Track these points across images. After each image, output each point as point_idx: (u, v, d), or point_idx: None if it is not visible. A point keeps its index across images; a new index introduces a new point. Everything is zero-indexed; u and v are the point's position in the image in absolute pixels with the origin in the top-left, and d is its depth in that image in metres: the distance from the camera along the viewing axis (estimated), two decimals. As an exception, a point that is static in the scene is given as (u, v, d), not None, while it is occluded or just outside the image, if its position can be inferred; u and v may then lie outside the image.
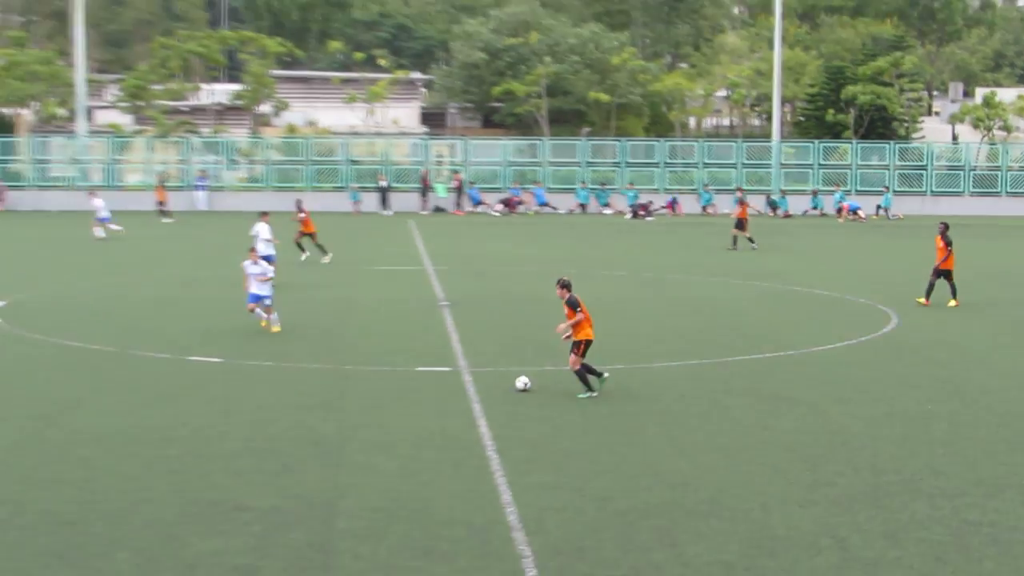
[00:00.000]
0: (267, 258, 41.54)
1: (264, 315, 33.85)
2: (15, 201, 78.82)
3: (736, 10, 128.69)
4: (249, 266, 33.39)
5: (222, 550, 16.81)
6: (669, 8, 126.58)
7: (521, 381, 26.72)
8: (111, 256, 54.38)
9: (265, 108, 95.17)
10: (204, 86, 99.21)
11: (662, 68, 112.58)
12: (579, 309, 25.88)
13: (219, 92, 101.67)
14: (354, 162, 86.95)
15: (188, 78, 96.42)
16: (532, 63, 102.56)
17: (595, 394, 26.01)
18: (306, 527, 17.74)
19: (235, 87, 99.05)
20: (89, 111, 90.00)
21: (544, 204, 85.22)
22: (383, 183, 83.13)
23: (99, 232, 61.02)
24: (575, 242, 64.51)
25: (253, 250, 34.28)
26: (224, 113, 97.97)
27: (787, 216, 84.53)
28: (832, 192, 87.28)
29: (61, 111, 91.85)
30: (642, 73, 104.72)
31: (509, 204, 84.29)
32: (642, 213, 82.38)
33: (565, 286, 26.09)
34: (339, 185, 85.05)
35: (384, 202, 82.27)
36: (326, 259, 51.23)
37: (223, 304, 39.19)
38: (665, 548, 17.01)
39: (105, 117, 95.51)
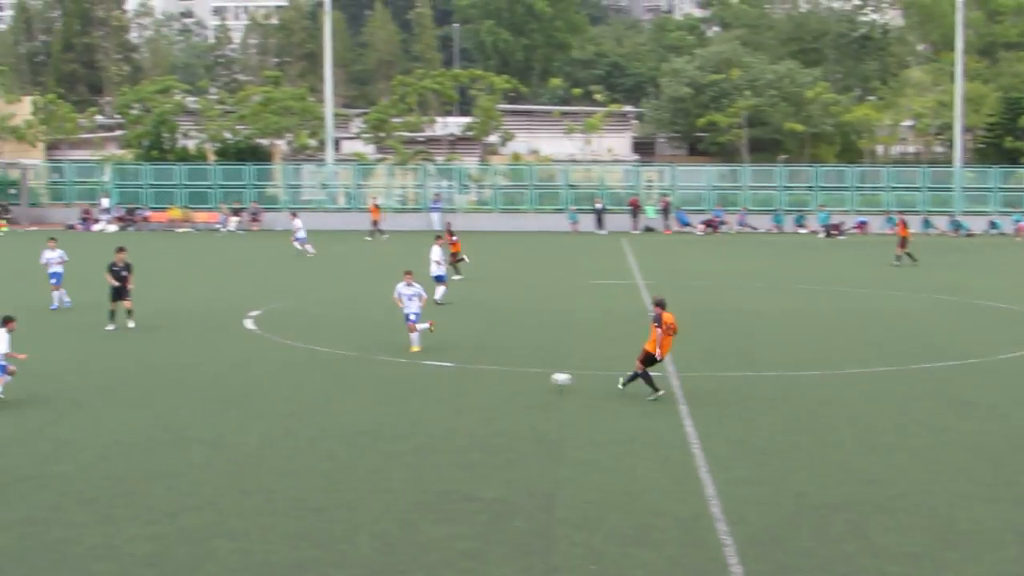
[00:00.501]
0: (439, 278, 41.77)
1: (416, 337, 31.98)
2: (270, 221, 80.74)
3: (920, 47, 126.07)
4: (402, 287, 32.13)
5: (452, 536, 16.92)
6: (859, 46, 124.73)
7: (562, 377, 26.70)
8: (351, 269, 55.27)
9: (493, 138, 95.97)
10: (438, 119, 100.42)
11: (852, 101, 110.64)
12: (659, 326, 25.47)
13: (452, 124, 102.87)
14: (572, 187, 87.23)
15: (424, 112, 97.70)
16: (733, 97, 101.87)
17: (660, 392, 25.66)
18: (528, 516, 17.75)
19: (466, 120, 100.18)
20: (336, 141, 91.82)
21: (743, 225, 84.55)
22: (599, 205, 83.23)
23: (298, 246, 62.81)
24: (772, 259, 63.71)
25: (409, 272, 32.73)
26: (456, 143, 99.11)
27: (969, 236, 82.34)
28: (1009, 214, 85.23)
29: (311, 141, 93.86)
30: (834, 105, 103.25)
31: (712, 224, 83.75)
32: (834, 232, 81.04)
33: (659, 304, 25.82)
34: (559, 207, 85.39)
35: (600, 222, 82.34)
36: (456, 277, 50.78)
37: (452, 313, 39.57)
38: (856, 539, 16.74)
39: (350, 147, 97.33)
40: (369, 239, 71.15)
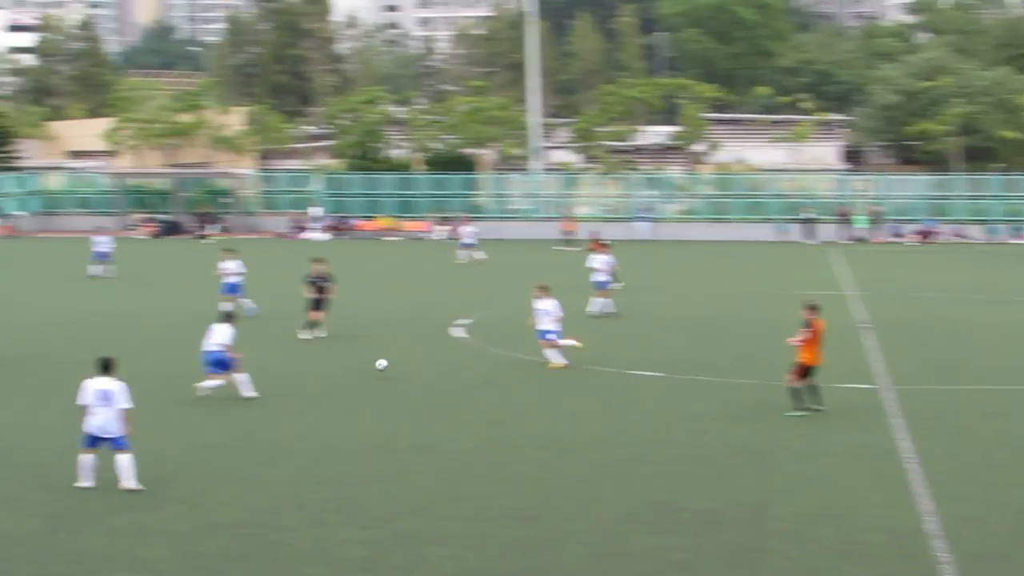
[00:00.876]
0: (600, 284, 41.41)
1: (553, 354, 31.18)
2: (479, 231, 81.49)
3: None
4: (538, 303, 31.59)
5: (662, 547, 16.94)
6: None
7: (382, 363, 28.77)
8: (558, 278, 55.25)
9: (699, 147, 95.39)
10: (644, 128, 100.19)
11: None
12: (809, 330, 25.13)
13: (658, 133, 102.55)
14: (780, 196, 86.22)
15: (630, 121, 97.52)
16: (945, 104, 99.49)
17: (804, 414, 24.97)
18: (738, 528, 17.68)
19: (672, 129, 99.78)
20: (542, 151, 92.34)
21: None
22: (808, 215, 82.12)
23: (463, 256, 63.18)
24: (988, 270, 62.04)
25: (542, 287, 31.99)
26: (662, 152, 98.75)
27: None
28: None
29: (517, 151, 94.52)
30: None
31: (924, 234, 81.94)
32: (1053, 243, 78.58)
33: (811, 308, 25.65)
34: (766, 217, 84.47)
35: (808, 232, 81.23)
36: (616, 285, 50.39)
37: (658, 323, 39.54)
38: (1083, 561, 16.25)
39: (556, 156, 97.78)
40: (564, 249, 71.37)
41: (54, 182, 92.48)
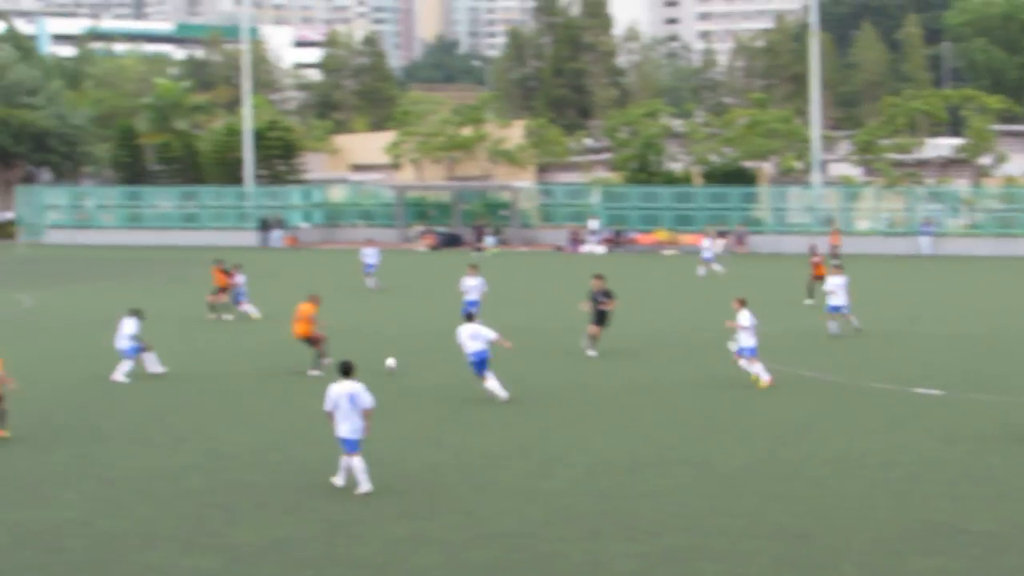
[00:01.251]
0: (836, 308, 39.87)
1: (752, 368, 30.73)
2: (757, 245, 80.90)
3: None
4: (741, 318, 30.72)
5: (940, 569, 16.58)
6: None
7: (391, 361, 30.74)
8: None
9: (985, 160, 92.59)
10: (928, 140, 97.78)
11: None
12: None
13: (942, 146, 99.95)
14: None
15: (914, 133, 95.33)
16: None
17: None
18: (1021, 551, 17.14)
19: (957, 141, 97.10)
20: (822, 164, 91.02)
21: None
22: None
23: (701, 271, 62.62)
24: None
25: (739, 300, 31.38)
26: (947, 165, 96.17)
27: None
28: None
29: (797, 164, 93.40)
30: None
31: None
32: None
33: None
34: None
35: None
36: (808, 301, 48.66)
37: (939, 340, 38.56)
38: None
39: (837, 169, 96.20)
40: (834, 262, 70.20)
41: (337, 195, 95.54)
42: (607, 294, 36.08)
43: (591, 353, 35.35)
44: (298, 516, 19.17)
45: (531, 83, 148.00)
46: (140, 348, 31.75)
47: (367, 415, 20.64)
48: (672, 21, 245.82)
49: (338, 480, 20.89)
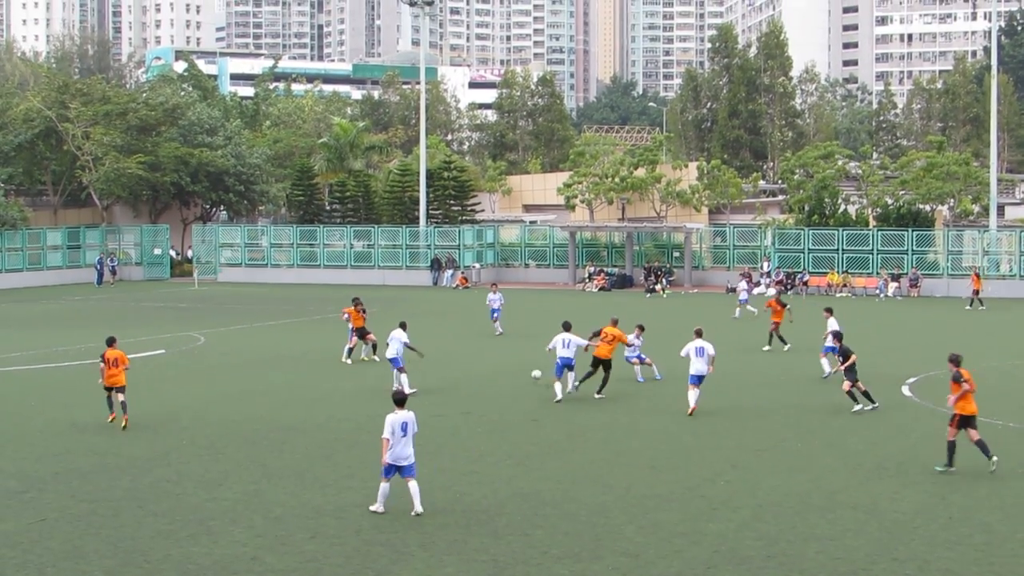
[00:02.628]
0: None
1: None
2: (930, 288, 79.51)
3: None
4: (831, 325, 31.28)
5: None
6: None
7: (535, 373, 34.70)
8: (1007, 337, 53.27)
9: None
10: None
11: None
12: (963, 382, 25.08)
13: None
14: None
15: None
16: None
17: (951, 469, 25.01)
18: None
19: None
20: (1000, 207, 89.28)
21: None
22: None
23: (737, 313, 62.36)
24: None
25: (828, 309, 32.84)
26: None
27: None
28: None
29: (974, 207, 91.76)
30: None
31: None
32: None
33: (953, 361, 25.63)
34: None
35: None
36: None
37: None
38: None
39: (1014, 212, 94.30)
40: (968, 308, 68.33)
41: (509, 235, 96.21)
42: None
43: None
44: (463, 556, 19.36)
45: (706, 124, 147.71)
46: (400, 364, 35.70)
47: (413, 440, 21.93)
48: (850, 63, 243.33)
49: (379, 507, 21.93)
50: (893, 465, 25.87)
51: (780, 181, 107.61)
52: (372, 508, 21.96)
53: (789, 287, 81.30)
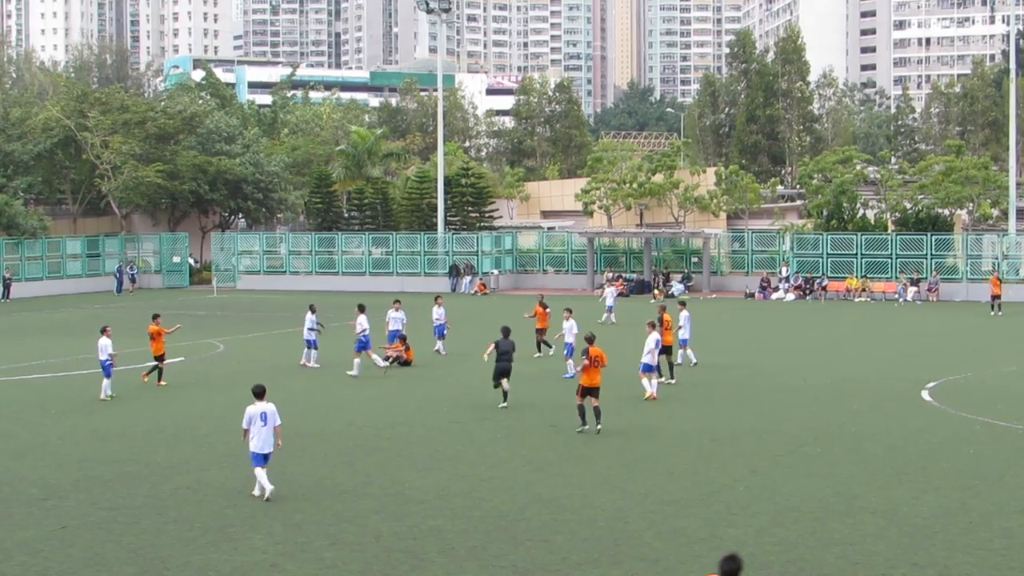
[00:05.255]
0: None
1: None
2: (949, 293, 79.33)
3: None
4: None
5: None
6: None
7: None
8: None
9: None
10: None
11: None
12: (585, 358, 29.73)
13: None
14: None
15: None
16: None
17: (585, 428, 30.10)
18: None
19: None
20: (1019, 211, 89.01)
21: None
22: None
23: (603, 317, 61.48)
24: None
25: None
26: None
27: None
28: None
29: (993, 211, 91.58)
30: None
31: None
32: None
33: (587, 340, 30.36)
34: None
35: None
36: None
37: None
38: None
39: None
40: (993, 314, 67.96)
41: (527, 241, 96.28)
42: None
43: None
44: (482, 562, 19.38)
45: (724, 129, 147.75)
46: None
47: (278, 431, 23.81)
48: (868, 67, 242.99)
49: (256, 491, 23.58)
50: (913, 470, 25.83)
51: (798, 186, 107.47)
52: (254, 492, 23.60)
53: (808, 292, 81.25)
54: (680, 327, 42.08)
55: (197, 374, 42.43)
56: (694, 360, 42.92)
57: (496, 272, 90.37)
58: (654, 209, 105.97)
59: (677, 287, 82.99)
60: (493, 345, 35.23)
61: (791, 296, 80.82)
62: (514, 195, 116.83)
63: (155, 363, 39.24)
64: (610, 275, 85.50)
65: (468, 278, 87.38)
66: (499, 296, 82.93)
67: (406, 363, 43.88)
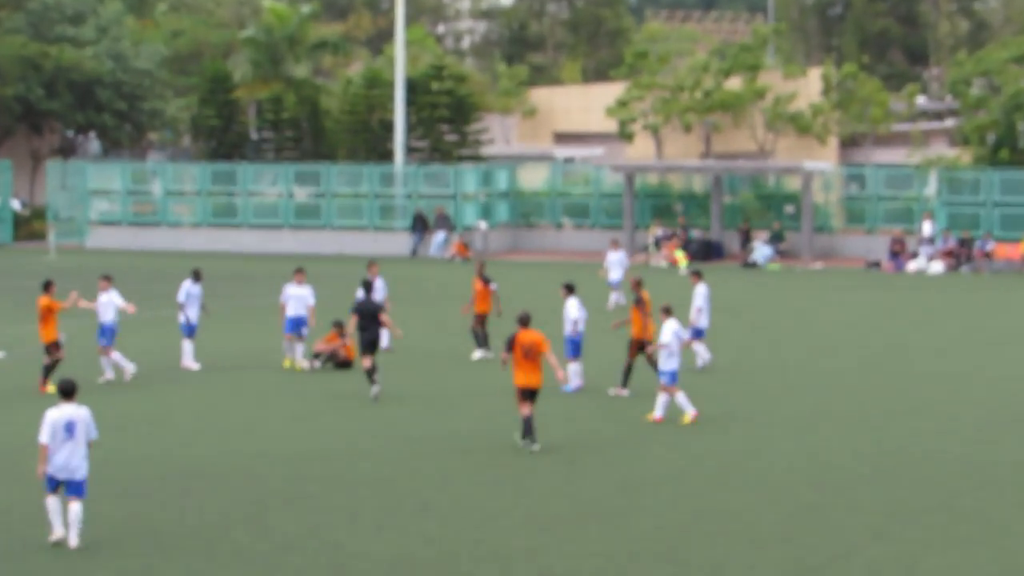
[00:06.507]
0: None
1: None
2: None
3: None
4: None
5: None
6: None
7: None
8: None
9: None
10: None
11: None
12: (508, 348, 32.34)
13: None
14: None
15: None
16: None
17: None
18: None
19: None
20: None
21: None
22: None
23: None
24: None
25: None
26: None
27: None
28: None
29: None
30: None
31: None
32: None
33: (521, 321, 32.71)
34: None
35: None
36: None
37: None
38: None
39: None
40: None
41: (533, 179, 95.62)
42: None
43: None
44: None
45: (836, 11, 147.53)
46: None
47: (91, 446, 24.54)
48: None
49: (54, 536, 24.32)
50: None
51: (950, 97, 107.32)
52: (51, 539, 24.29)
53: (965, 260, 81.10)
54: (698, 310, 42.90)
55: (24, 378, 42.31)
56: (706, 357, 43.52)
57: (484, 226, 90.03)
58: (728, 131, 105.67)
59: (762, 251, 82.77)
60: (355, 315, 37.93)
61: (938, 266, 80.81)
62: (513, 108, 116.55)
63: (52, 359, 40.72)
64: (659, 233, 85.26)
65: (441, 235, 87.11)
66: (489, 264, 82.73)
67: (345, 363, 43.90)
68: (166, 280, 68.34)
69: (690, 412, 35.64)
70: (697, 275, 44.55)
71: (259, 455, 32.16)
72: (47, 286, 41.86)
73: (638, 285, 40.08)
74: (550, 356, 32.37)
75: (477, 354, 46.22)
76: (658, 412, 35.88)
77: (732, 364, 44.62)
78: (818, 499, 28.43)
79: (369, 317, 37.83)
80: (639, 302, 39.12)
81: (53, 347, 40.43)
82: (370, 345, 37.94)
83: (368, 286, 39.99)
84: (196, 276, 45.18)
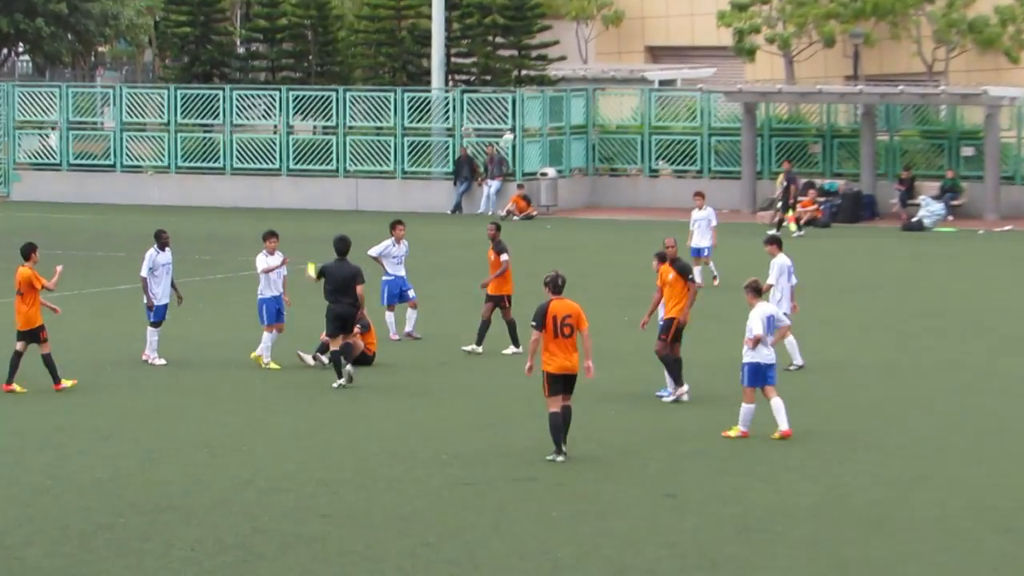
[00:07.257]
0: None
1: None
2: None
3: None
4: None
5: None
6: None
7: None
8: None
9: None
10: None
11: None
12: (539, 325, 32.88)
13: None
14: None
15: None
16: None
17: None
18: None
19: None
20: None
21: None
22: None
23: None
24: None
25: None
26: None
27: None
28: None
29: None
30: None
31: None
32: None
33: (550, 284, 33.67)
34: None
35: None
36: None
37: None
38: None
39: None
40: None
41: (618, 110, 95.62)
42: None
43: None
44: None
45: None
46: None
47: None
48: None
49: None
50: None
51: None
52: None
53: None
54: (771, 288, 42.63)
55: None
56: (799, 362, 43.49)
57: (552, 172, 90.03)
58: (882, 46, 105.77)
59: (930, 208, 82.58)
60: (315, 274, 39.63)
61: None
62: (592, 13, 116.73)
63: (44, 356, 40.75)
64: (785, 182, 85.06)
65: (494, 184, 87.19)
66: (558, 223, 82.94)
67: (363, 359, 43.95)
68: (121, 245, 68.78)
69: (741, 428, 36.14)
70: (776, 243, 44.73)
71: (245, 482, 32.21)
72: (28, 252, 40.66)
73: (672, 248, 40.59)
74: (587, 338, 32.71)
75: (468, 347, 46.46)
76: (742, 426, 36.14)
77: (888, 363, 44.68)
78: (1014, 549, 28.31)
79: (340, 287, 38.21)
80: (682, 269, 39.56)
81: (33, 335, 40.18)
82: (339, 323, 38.58)
83: (343, 246, 39.80)
84: (162, 241, 44.91)
